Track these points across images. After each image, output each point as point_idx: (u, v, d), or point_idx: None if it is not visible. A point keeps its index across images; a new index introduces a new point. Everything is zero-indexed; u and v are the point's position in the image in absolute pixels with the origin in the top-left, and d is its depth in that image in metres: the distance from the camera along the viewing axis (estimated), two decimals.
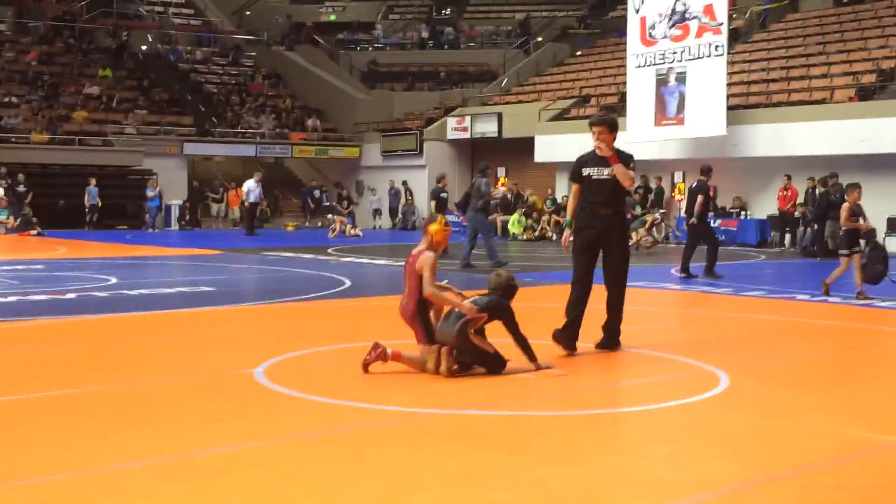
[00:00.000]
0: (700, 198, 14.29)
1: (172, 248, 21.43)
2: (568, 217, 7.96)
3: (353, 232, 26.97)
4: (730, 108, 23.88)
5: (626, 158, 7.56)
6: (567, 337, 7.44)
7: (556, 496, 4.00)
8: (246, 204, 27.35)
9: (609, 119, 7.69)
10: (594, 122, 7.60)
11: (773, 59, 27.22)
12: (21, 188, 27.20)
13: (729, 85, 24.40)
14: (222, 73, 38.05)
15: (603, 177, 7.55)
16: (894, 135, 20.85)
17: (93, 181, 28.31)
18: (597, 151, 7.55)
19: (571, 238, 7.81)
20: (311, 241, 23.56)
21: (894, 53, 24.24)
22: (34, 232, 26.10)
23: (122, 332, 8.75)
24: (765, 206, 23.86)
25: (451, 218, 31.05)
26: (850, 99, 22.83)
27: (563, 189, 28.08)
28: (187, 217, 30.69)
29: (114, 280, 13.30)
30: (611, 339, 7.74)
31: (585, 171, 7.67)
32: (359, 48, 39.86)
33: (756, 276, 15.69)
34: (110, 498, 3.92)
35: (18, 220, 26.56)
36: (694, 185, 14.66)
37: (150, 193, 29.12)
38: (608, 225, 7.65)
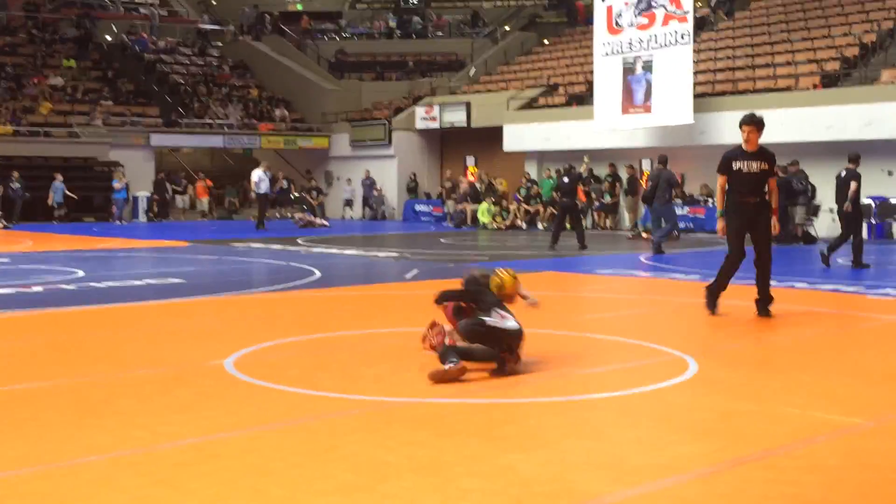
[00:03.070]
0: (854, 185, 14.28)
1: (140, 240, 21.25)
2: (718, 207, 9.24)
3: (320, 222, 26.86)
4: (696, 95, 24.02)
5: (770, 156, 8.89)
6: (710, 294, 9.08)
7: (526, 482, 4.02)
8: (254, 195, 26.18)
9: (757, 121, 8.81)
10: (744, 122, 8.82)
11: (739, 46, 27.42)
12: None
13: (695, 73, 24.54)
14: (189, 64, 37.70)
15: (753, 171, 8.75)
16: (858, 121, 21.09)
17: (59, 177, 27.96)
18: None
19: (724, 226, 9.09)
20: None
21: (858, 41, 24.49)
22: (0, 225, 25.79)
23: (90, 325, 8.67)
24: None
25: (422, 207, 31.15)
26: (815, 86, 23.06)
27: (533, 176, 28.17)
28: (155, 209, 30.43)
29: (81, 273, 13.16)
30: (764, 307, 8.92)
31: (735, 165, 8.82)
32: (326, 38, 39.64)
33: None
34: (78, 491, 3.89)
35: None
36: (843, 174, 14.53)
37: (116, 185, 28.82)
38: (755, 211, 8.82)
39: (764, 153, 8.86)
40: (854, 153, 15.05)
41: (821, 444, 4.67)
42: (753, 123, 8.74)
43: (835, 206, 18.78)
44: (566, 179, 18.62)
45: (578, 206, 19.29)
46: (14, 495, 3.84)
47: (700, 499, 3.85)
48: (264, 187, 25.01)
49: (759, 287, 8.96)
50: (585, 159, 21.04)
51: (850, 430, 4.95)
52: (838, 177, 14.74)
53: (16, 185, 27.13)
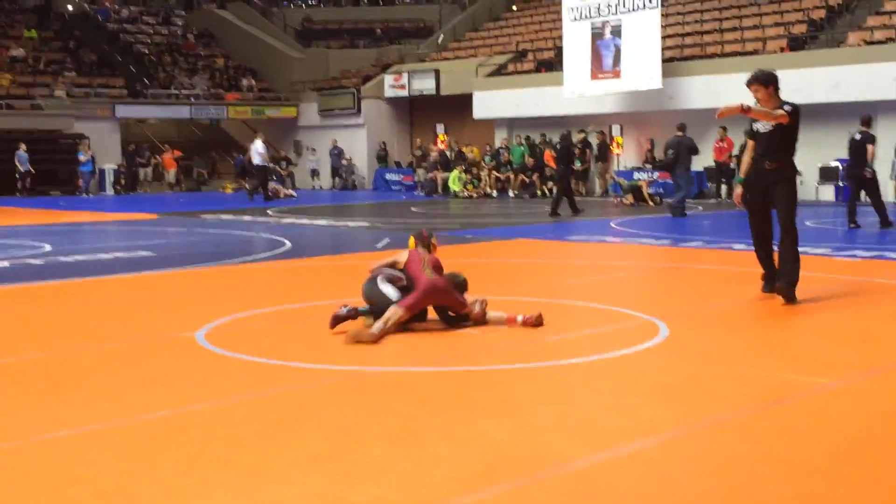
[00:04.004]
0: (871, 147, 14.27)
1: (108, 213, 21.03)
2: (741, 174, 8.02)
3: (286, 193, 26.63)
4: (665, 60, 24.03)
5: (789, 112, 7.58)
6: (778, 289, 7.70)
7: (498, 447, 4.04)
8: (252, 165, 25.53)
9: (757, 76, 7.70)
10: (747, 84, 7.73)
11: (706, 10, 27.41)
12: None
13: (663, 38, 24.54)
14: (153, 33, 37.17)
15: (768, 129, 7.67)
16: (825, 85, 21.19)
17: (22, 146, 27.54)
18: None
19: (741, 192, 7.92)
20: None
21: (824, 3, 24.56)
22: None
23: (58, 299, 8.58)
24: (701, 158, 24.13)
25: (392, 176, 31.02)
26: (782, 49, 23.13)
27: (499, 145, 28.13)
28: (122, 182, 30.08)
29: (48, 247, 13.01)
30: (769, 283, 7.87)
31: (755, 126, 7.81)
32: (292, 5, 39.19)
33: (693, 227, 15.92)
34: (48, 465, 3.86)
35: None
36: (858, 137, 14.43)
37: (82, 158, 28.43)
38: (773, 179, 7.69)
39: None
40: (866, 115, 14.98)
41: (790, 405, 4.73)
42: (756, 81, 7.70)
43: (802, 170, 18.84)
44: (559, 147, 18.77)
45: (569, 174, 19.30)
46: None
47: (670, 460, 3.89)
48: (260, 159, 24.70)
49: (779, 260, 7.82)
50: (589, 128, 21.11)
51: (819, 389, 5.01)
52: (852, 140, 14.64)
53: None
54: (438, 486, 3.58)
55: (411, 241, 7.13)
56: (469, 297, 6.79)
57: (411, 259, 6.81)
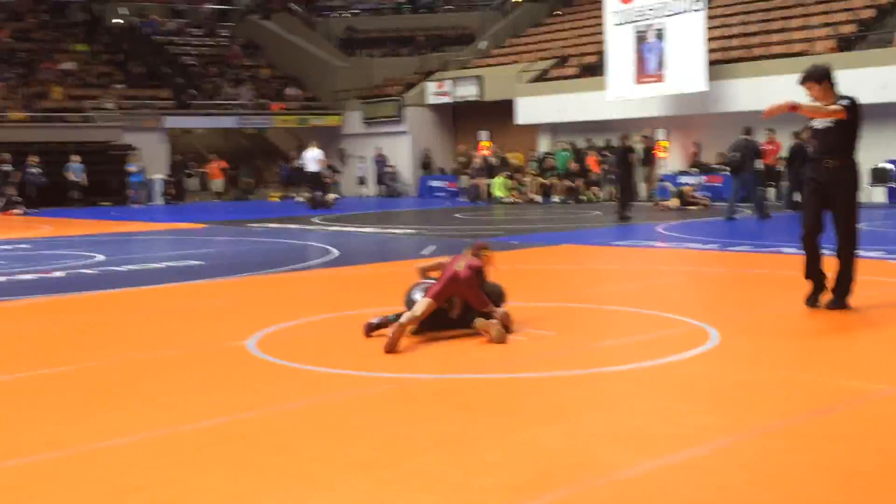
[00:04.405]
0: None
1: (157, 222, 21.33)
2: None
3: (327, 199, 26.54)
4: (710, 63, 23.83)
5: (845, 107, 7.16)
6: (827, 305, 7.36)
7: (549, 455, 4.03)
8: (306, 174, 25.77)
9: (809, 72, 7.30)
10: (800, 83, 7.33)
11: (752, 11, 27.13)
12: (6, 167, 26.95)
13: (708, 40, 24.33)
14: (199, 45, 37.67)
15: (826, 125, 7.26)
16: (874, 85, 20.83)
17: (75, 158, 28.08)
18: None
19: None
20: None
21: (873, 3, 24.18)
22: (18, 211, 25.93)
23: (111, 309, 8.73)
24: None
25: (436, 183, 31.09)
26: (830, 50, 22.81)
27: (543, 150, 28.08)
28: (172, 191, 30.53)
29: (101, 257, 13.24)
30: (839, 299, 7.39)
31: (812, 124, 7.47)
32: (335, 15, 39.47)
33: (742, 231, 15.75)
34: (103, 473, 3.93)
35: (2, 199, 26.42)
36: None
37: (132, 169, 28.92)
38: (831, 178, 7.24)
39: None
40: None
41: (844, 411, 4.66)
42: (808, 79, 7.28)
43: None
44: (618, 150, 18.89)
45: (629, 177, 19.33)
46: (40, 479, 3.89)
47: (722, 469, 3.86)
48: (319, 166, 25.07)
49: (836, 273, 7.40)
50: (645, 133, 21.11)
51: (874, 396, 4.94)
52: None
53: (34, 171, 27.15)
54: (490, 494, 3.58)
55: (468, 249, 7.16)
56: (505, 312, 6.73)
57: (451, 260, 6.89)
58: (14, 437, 4.51)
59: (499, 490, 3.62)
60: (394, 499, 3.55)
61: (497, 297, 6.88)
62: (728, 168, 19.11)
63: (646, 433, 4.34)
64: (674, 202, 21.75)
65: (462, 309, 6.76)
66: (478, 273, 6.80)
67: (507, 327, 6.59)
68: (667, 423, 4.51)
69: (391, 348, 6.18)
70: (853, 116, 7.20)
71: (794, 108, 6.98)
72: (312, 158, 25.09)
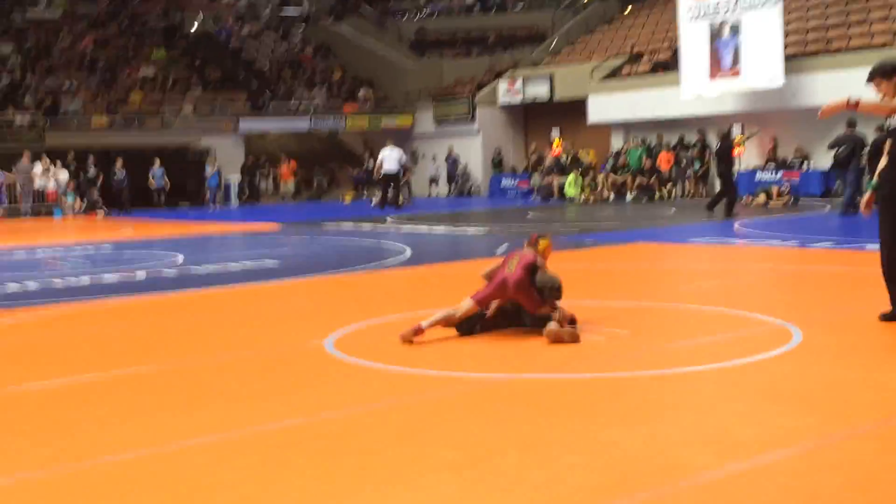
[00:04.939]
0: None
1: (233, 223, 21.71)
2: (875, 178, 6.95)
3: (400, 200, 26.57)
4: (787, 57, 23.32)
5: None
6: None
7: (631, 457, 3.99)
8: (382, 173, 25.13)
9: (876, 68, 6.74)
10: (868, 80, 6.78)
11: (831, 3, 26.47)
12: (91, 172, 27.76)
13: (785, 33, 23.82)
14: (272, 49, 38.21)
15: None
16: None
17: (157, 162, 28.78)
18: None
19: (869, 199, 6.91)
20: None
21: None
22: (100, 213, 26.67)
23: (191, 309, 8.90)
24: (828, 156, 23.33)
25: (507, 182, 31.04)
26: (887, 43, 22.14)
27: (617, 148, 27.81)
28: (246, 193, 31.03)
29: (181, 258, 13.52)
30: None
31: (889, 122, 6.84)
32: (406, 17, 39.68)
33: (822, 227, 15.39)
34: (188, 472, 4.00)
35: (85, 202, 27.22)
36: None
37: (209, 171, 29.51)
38: None
39: None
40: None
41: None
42: (876, 75, 6.73)
43: None
44: (718, 146, 18.78)
45: (731, 172, 19.09)
46: (125, 478, 3.97)
47: (812, 472, 3.77)
48: (397, 164, 24.74)
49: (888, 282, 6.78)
50: (750, 130, 20.88)
51: None
52: None
53: (120, 174, 27.89)
54: (572, 496, 3.56)
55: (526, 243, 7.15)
56: (559, 308, 6.67)
57: (504, 260, 6.89)
58: (102, 435, 4.63)
59: (580, 492, 3.59)
60: (478, 499, 3.55)
61: (551, 290, 6.72)
62: (834, 163, 18.63)
63: (730, 435, 4.26)
64: (760, 198, 21.45)
65: (513, 309, 6.79)
66: (532, 270, 6.73)
67: (570, 323, 6.56)
68: (752, 424, 4.42)
69: (407, 338, 6.41)
70: None
71: (852, 105, 6.54)
72: (391, 157, 24.56)
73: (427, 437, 4.38)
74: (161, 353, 6.71)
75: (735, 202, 18.66)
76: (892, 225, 6.66)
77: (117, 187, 27.88)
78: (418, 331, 6.53)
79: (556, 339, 6.37)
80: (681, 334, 6.65)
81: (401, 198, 25.80)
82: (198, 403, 5.18)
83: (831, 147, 18.89)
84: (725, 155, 18.53)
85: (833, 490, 3.54)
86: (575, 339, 6.37)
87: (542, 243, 7.09)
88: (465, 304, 6.67)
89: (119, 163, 27.95)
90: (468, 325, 6.74)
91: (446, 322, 6.65)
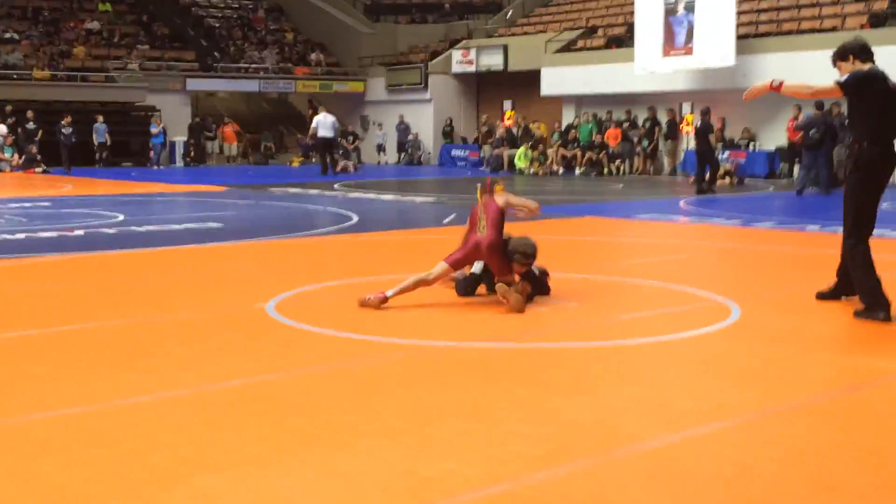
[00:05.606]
0: None
1: (178, 184, 21.38)
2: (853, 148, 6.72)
3: (342, 165, 26.30)
4: (739, 37, 23.52)
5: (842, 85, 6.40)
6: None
7: (572, 426, 4.01)
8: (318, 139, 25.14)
9: (836, 51, 6.66)
10: (832, 64, 6.65)
11: None
12: (30, 125, 26.93)
13: (738, 13, 24.00)
14: (224, 7, 37.53)
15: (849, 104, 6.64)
16: None
17: (100, 118, 28.01)
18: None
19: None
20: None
21: None
22: (39, 169, 26.02)
23: (132, 269, 8.75)
24: (774, 138, 23.66)
25: (458, 152, 30.98)
26: (862, 27, 22.46)
27: (568, 121, 27.89)
28: (192, 154, 30.53)
29: (121, 217, 13.27)
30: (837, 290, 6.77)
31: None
32: None
33: (765, 208, 15.61)
34: (128, 430, 3.94)
35: (23, 157, 26.46)
36: None
37: (154, 130, 28.91)
38: (849, 166, 6.70)
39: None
40: None
41: (867, 390, 4.62)
42: (836, 58, 6.66)
43: None
44: (699, 124, 19.08)
45: (712, 149, 19.48)
46: (66, 434, 3.90)
47: (747, 444, 3.82)
48: (330, 131, 24.59)
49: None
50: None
51: None
52: None
53: (67, 130, 26.53)
54: (512, 463, 3.56)
55: (478, 192, 7.14)
56: (522, 282, 6.70)
57: (472, 214, 6.95)
58: (38, 392, 4.53)
59: (521, 459, 3.60)
60: (416, 466, 3.54)
61: (524, 255, 6.68)
62: (806, 145, 18.82)
63: (670, 406, 4.30)
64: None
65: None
66: (502, 221, 6.76)
67: (528, 296, 6.58)
68: (691, 396, 4.47)
69: (368, 304, 6.43)
70: (852, 93, 6.42)
71: (776, 88, 6.46)
72: (325, 124, 24.45)
73: (368, 403, 4.36)
74: (99, 311, 6.59)
75: (715, 179, 19.08)
76: (858, 209, 6.39)
77: (65, 143, 26.52)
78: (383, 300, 6.48)
79: (503, 296, 6.43)
80: (625, 308, 6.70)
81: (342, 164, 25.62)
82: (137, 363, 5.09)
83: (800, 129, 19.16)
84: (706, 132, 18.80)
85: (768, 462, 3.59)
86: (518, 308, 6.38)
87: (498, 188, 7.12)
88: (438, 268, 6.69)
89: (67, 119, 26.78)
90: (470, 286, 6.85)
91: (416, 286, 6.62)
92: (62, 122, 26.72)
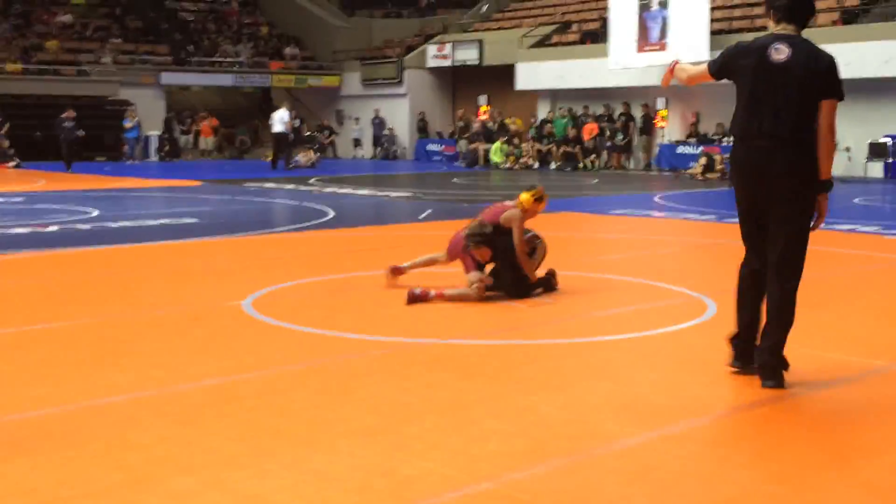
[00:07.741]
0: None
1: (152, 179, 21.21)
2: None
3: (308, 158, 26.31)
4: (713, 32, 23.65)
5: None
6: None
7: (547, 423, 4.02)
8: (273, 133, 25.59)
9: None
10: None
11: None
12: None
13: (712, 9, 24.13)
14: (197, 0, 37.23)
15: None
16: (877, 59, 20.72)
17: (71, 113, 27.43)
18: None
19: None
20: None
21: None
22: (11, 164, 25.71)
23: (106, 265, 8.68)
24: None
25: (433, 147, 30.95)
26: (834, 23, 22.64)
27: (543, 116, 27.92)
28: (166, 148, 30.29)
29: (95, 212, 13.16)
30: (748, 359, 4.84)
31: None
32: None
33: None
34: (99, 430, 3.90)
35: None
36: None
37: (127, 124, 28.60)
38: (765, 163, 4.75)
39: None
40: None
41: (843, 386, 4.66)
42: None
43: (851, 146, 18.48)
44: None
45: None
46: (37, 435, 3.86)
47: (722, 440, 3.85)
48: (283, 127, 24.94)
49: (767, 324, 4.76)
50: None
51: (872, 371, 4.93)
52: None
53: (69, 125, 24.91)
54: (488, 460, 3.57)
55: (524, 194, 7.28)
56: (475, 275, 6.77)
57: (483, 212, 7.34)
58: (10, 392, 4.48)
59: (497, 457, 3.60)
60: (393, 465, 3.54)
61: (472, 230, 6.85)
62: None
63: (645, 403, 4.32)
64: (698, 169, 21.82)
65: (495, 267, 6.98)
66: (481, 228, 6.83)
67: (479, 290, 6.69)
68: (667, 393, 4.50)
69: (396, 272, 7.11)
70: (719, 77, 5.06)
71: (671, 68, 5.50)
72: (279, 119, 25.03)
73: (344, 401, 4.35)
74: (73, 309, 6.53)
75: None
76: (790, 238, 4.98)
77: (66, 139, 24.82)
78: (398, 270, 7.12)
79: (471, 282, 6.68)
80: (601, 304, 6.72)
81: (304, 158, 25.86)
82: (111, 362, 5.05)
83: None
84: None
85: (742, 457, 3.62)
86: (470, 298, 6.58)
87: (525, 196, 7.11)
88: (436, 255, 7.24)
89: (69, 113, 25.04)
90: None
91: (414, 267, 7.22)
92: (63, 116, 24.97)
